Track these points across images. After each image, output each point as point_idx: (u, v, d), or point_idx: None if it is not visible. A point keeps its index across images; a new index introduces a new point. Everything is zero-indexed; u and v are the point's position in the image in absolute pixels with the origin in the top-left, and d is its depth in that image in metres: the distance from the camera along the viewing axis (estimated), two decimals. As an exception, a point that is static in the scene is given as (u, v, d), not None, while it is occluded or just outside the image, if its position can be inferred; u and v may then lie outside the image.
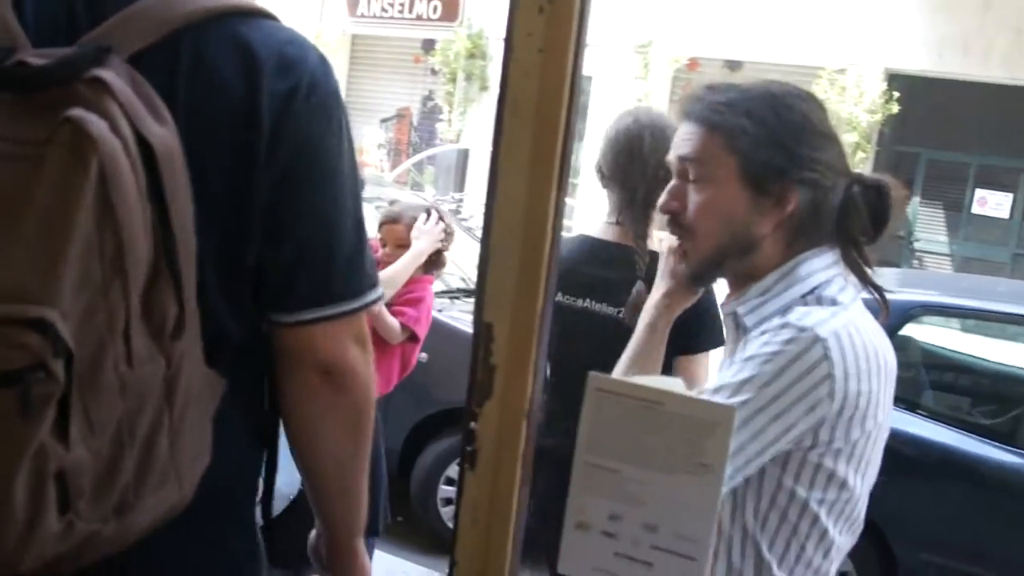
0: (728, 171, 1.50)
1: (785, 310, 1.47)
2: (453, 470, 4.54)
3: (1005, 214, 13.53)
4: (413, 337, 3.48)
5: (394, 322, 3.37)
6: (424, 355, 4.29)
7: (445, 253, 3.61)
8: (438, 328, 4.41)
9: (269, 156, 1.21)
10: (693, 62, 14.26)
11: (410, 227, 3.43)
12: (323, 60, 1.35)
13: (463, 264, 5.61)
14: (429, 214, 3.52)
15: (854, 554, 3.90)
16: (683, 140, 1.56)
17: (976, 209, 13.66)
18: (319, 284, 1.27)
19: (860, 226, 1.53)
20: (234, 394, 1.24)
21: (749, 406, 1.39)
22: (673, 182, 1.59)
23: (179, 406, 1.13)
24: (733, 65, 14.65)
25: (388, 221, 3.51)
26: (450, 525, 4.58)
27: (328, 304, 1.27)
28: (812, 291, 1.49)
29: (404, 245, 3.41)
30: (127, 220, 1.04)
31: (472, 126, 16.43)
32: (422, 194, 9.98)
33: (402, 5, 17.15)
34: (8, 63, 1.08)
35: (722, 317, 1.71)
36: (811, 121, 1.52)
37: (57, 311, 0.99)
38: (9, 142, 1.05)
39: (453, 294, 5.00)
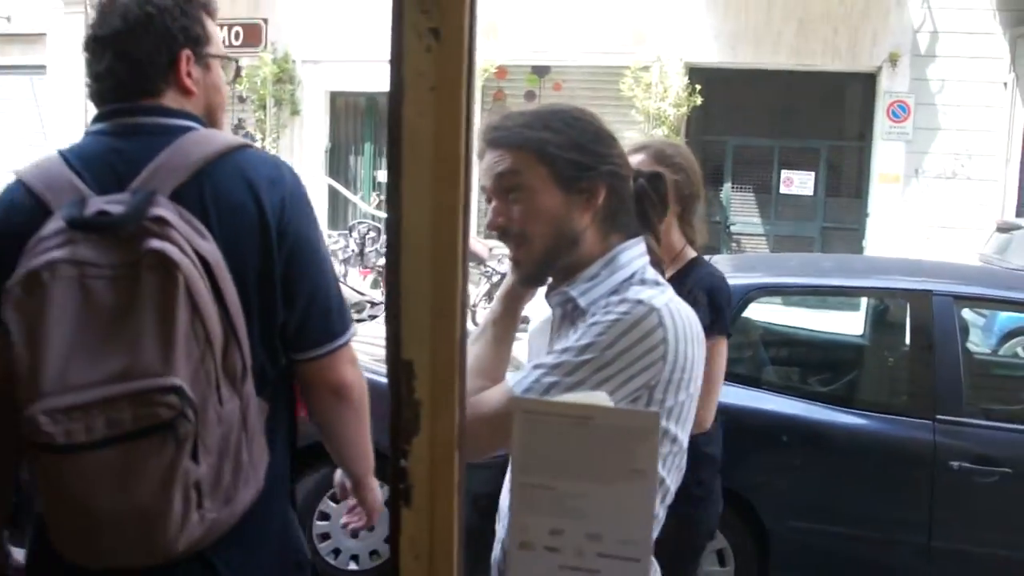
0: (542, 179, 1.69)
1: (612, 292, 1.68)
2: (325, 504, 4.46)
3: (809, 191, 14.31)
4: None
5: None
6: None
7: None
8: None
9: (279, 248, 1.73)
10: (501, 70, 14.49)
11: None
12: (293, 172, 1.85)
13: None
14: None
15: (727, 530, 4.10)
16: (495, 163, 1.72)
17: (783, 189, 14.37)
18: (322, 328, 1.81)
19: (655, 211, 1.83)
20: (272, 413, 1.77)
21: (592, 364, 1.57)
22: (494, 203, 1.74)
23: (250, 428, 1.66)
24: (540, 71, 14.97)
25: None
26: (330, 561, 4.50)
27: (328, 342, 1.82)
28: (633, 275, 1.71)
29: None
30: (207, 312, 1.56)
31: (286, 152, 16.16)
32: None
33: (202, 35, 16.66)
34: (91, 213, 1.59)
35: (549, 306, 1.84)
36: (596, 125, 1.76)
37: (179, 378, 1.52)
38: (106, 268, 1.55)
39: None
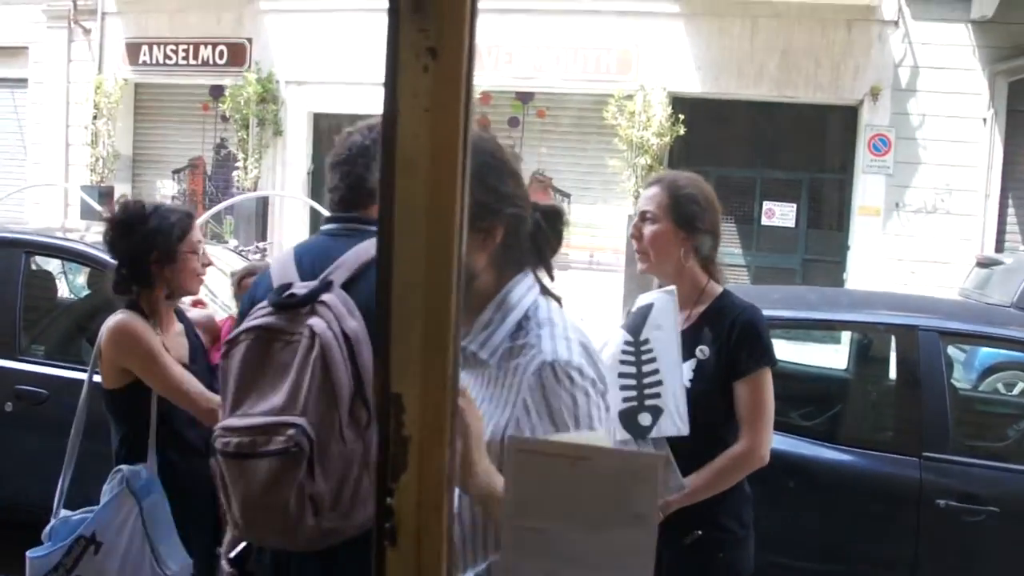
0: None
1: (511, 336, 1.70)
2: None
3: (791, 223, 14.34)
4: None
5: None
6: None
7: None
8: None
9: None
10: (485, 95, 14.50)
11: None
12: None
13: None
14: None
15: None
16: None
17: (765, 221, 14.41)
18: None
19: (545, 242, 1.82)
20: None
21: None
22: None
23: (369, 461, 2.04)
24: (524, 97, 15.00)
25: (248, 275, 3.60)
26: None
27: None
28: (526, 315, 1.71)
29: None
30: (337, 375, 2.02)
31: (268, 172, 16.11)
32: (225, 246, 9.66)
33: (186, 51, 16.65)
34: (285, 294, 2.14)
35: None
36: (501, 160, 1.73)
37: (303, 419, 2.01)
38: (285, 334, 2.10)
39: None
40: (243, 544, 2.27)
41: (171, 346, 3.17)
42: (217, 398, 2.91)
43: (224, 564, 2.35)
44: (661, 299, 2.79)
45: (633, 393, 2.71)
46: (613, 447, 0.98)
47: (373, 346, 1.00)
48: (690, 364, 2.82)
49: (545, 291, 1.81)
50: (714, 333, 2.84)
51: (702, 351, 2.83)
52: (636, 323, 2.78)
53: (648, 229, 2.89)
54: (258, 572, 2.25)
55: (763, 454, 2.83)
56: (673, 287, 2.83)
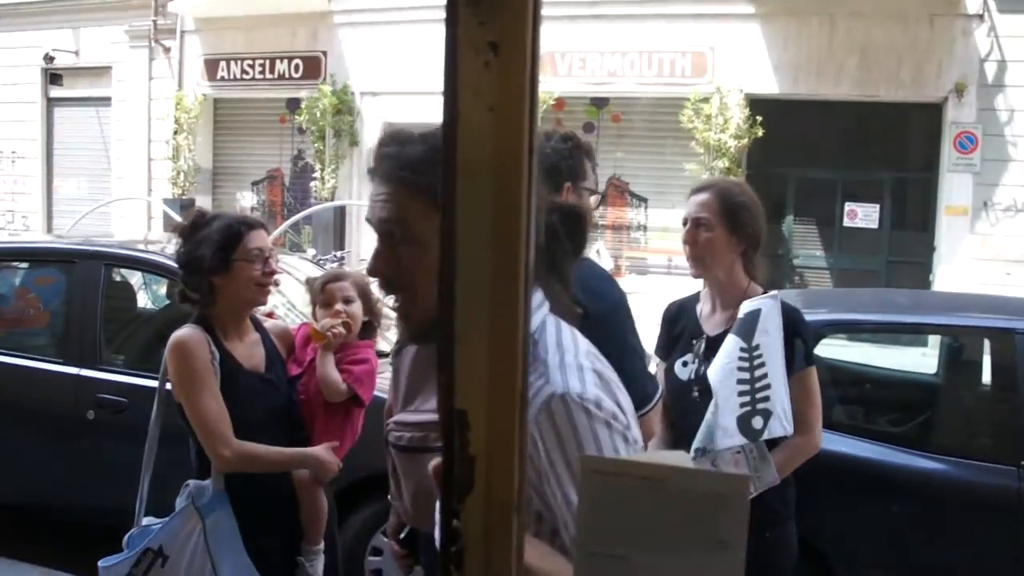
0: (436, 229, 1.42)
1: None
2: (378, 539, 4.36)
3: (874, 224, 13.99)
4: (357, 400, 3.36)
5: (338, 378, 3.28)
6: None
7: (380, 318, 3.56)
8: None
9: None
10: (559, 101, 14.41)
11: (353, 284, 3.43)
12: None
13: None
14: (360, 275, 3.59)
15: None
16: (380, 202, 1.54)
17: (847, 222, 14.07)
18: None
19: (562, 250, 1.66)
20: None
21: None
22: (378, 245, 1.57)
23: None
24: (599, 102, 14.90)
25: (331, 280, 3.49)
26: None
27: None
28: (532, 339, 1.53)
29: (351, 300, 3.39)
30: None
31: (345, 182, 16.27)
32: (303, 255, 9.74)
33: (263, 66, 16.92)
34: None
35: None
36: None
37: None
38: None
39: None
40: (409, 527, 2.40)
41: (245, 355, 3.18)
42: (239, 446, 3.01)
43: (394, 544, 2.55)
44: (767, 304, 2.95)
45: (747, 398, 2.88)
46: (697, 467, 0.92)
47: (437, 360, 0.87)
48: None
49: (559, 308, 1.62)
50: None
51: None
52: (747, 329, 2.92)
53: (703, 235, 3.07)
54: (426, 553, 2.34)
55: (819, 442, 3.15)
56: (776, 292, 3.06)
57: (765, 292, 3.10)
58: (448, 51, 0.88)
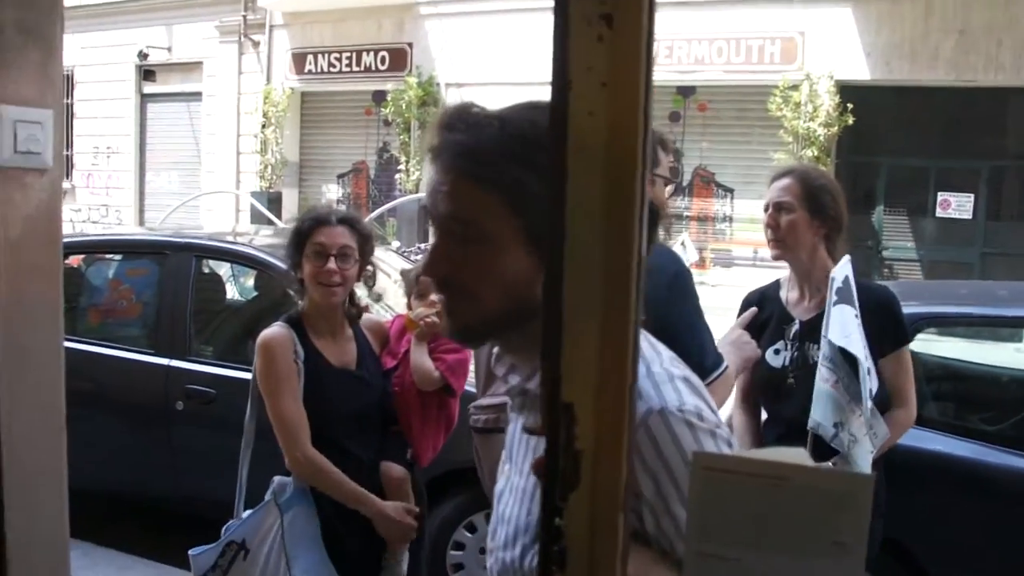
0: (511, 233, 1.29)
1: None
2: (460, 534, 4.35)
3: (968, 215, 13.59)
4: (449, 389, 3.36)
5: (431, 367, 3.30)
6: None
7: None
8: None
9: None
10: (645, 91, 14.26)
11: None
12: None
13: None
14: None
15: (887, 579, 3.80)
16: (443, 194, 1.33)
17: (939, 212, 13.70)
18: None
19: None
20: None
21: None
22: (437, 242, 1.36)
23: None
24: (685, 91, 14.73)
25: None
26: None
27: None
28: None
29: None
30: None
31: (430, 175, 16.35)
32: (388, 248, 9.81)
33: (349, 59, 17.12)
34: None
35: (508, 395, 1.52)
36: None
37: None
38: None
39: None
40: None
41: (336, 353, 3.17)
42: (310, 453, 3.00)
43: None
44: (848, 267, 3.03)
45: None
46: (816, 465, 0.87)
47: (542, 351, 0.78)
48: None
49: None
50: None
51: (824, 338, 3.01)
52: (849, 295, 2.98)
53: (785, 218, 3.14)
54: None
55: (915, 415, 3.26)
56: (848, 256, 3.09)
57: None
58: (558, 23, 0.84)
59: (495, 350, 1.50)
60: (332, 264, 3.01)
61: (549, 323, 0.87)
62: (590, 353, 0.86)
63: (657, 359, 1.32)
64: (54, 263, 1.72)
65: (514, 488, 1.44)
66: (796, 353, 3.15)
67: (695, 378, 1.36)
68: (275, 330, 3.10)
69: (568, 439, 0.88)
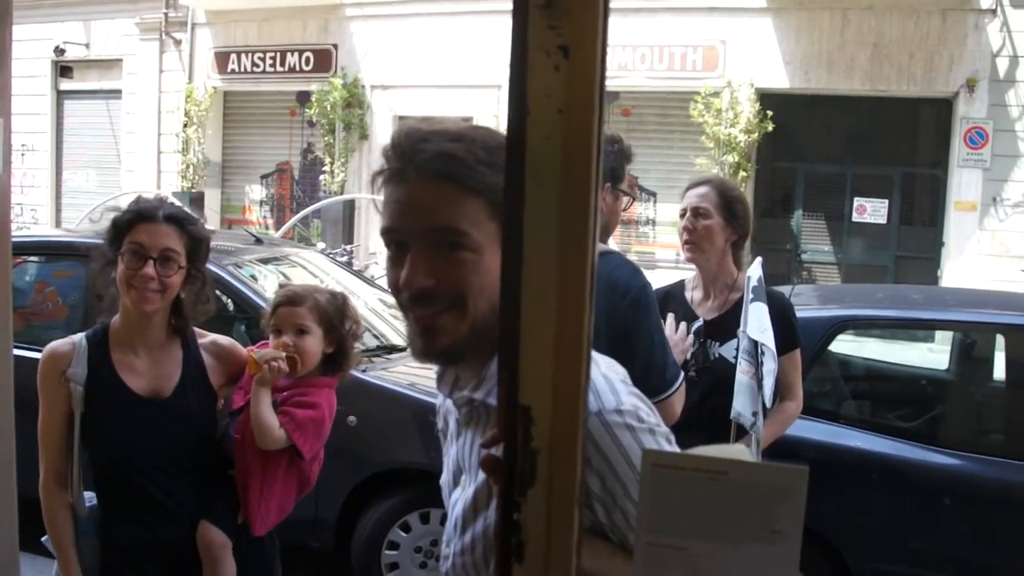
0: (492, 237, 1.33)
1: None
2: (395, 534, 4.39)
3: (883, 219, 13.97)
4: (296, 451, 2.75)
5: (273, 422, 2.70)
6: (352, 418, 4.17)
7: (353, 350, 2.97)
8: (362, 389, 4.29)
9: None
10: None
11: (313, 311, 2.83)
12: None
13: (371, 320, 5.49)
14: (334, 297, 2.96)
15: (810, 572, 3.94)
16: (423, 206, 1.34)
17: (856, 217, 14.06)
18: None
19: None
20: None
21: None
22: (416, 255, 1.35)
23: None
24: (609, 96, 14.87)
25: (285, 303, 2.85)
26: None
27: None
28: None
29: (305, 331, 2.81)
30: None
31: (355, 176, 16.30)
32: (313, 248, 9.78)
33: (273, 59, 16.94)
34: None
35: (452, 406, 1.54)
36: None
37: None
38: None
39: (373, 352, 4.86)
40: None
41: (144, 374, 2.64)
42: (46, 493, 2.54)
43: None
44: (758, 268, 3.32)
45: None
46: (755, 460, 0.94)
47: (499, 357, 0.92)
48: (732, 343, 3.31)
49: None
50: None
51: (743, 333, 3.26)
52: (762, 294, 3.24)
53: (702, 223, 3.37)
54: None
55: (801, 407, 3.53)
56: (759, 258, 3.39)
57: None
58: (516, 52, 0.90)
59: (436, 372, 1.52)
60: (150, 268, 2.51)
61: (507, 332, 0.94)
62: (547, 359, 0.93)
63: (596, 366, 1.34)
64: (3, 267, 1.73)
65: (467, 496, 1.48)
66: (698, 349, 3.38)
67: (629, 380, 1.42)
68: (54, 346, 2.63)
69: (525, 439, 0.94)
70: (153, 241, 2.53)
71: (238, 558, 2.68)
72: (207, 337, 2.80)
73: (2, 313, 1.62)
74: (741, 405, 3.13)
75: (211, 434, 2.73)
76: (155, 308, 2.57)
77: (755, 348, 3.15)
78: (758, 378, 3.13)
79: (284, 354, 2.72)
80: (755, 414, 3.13)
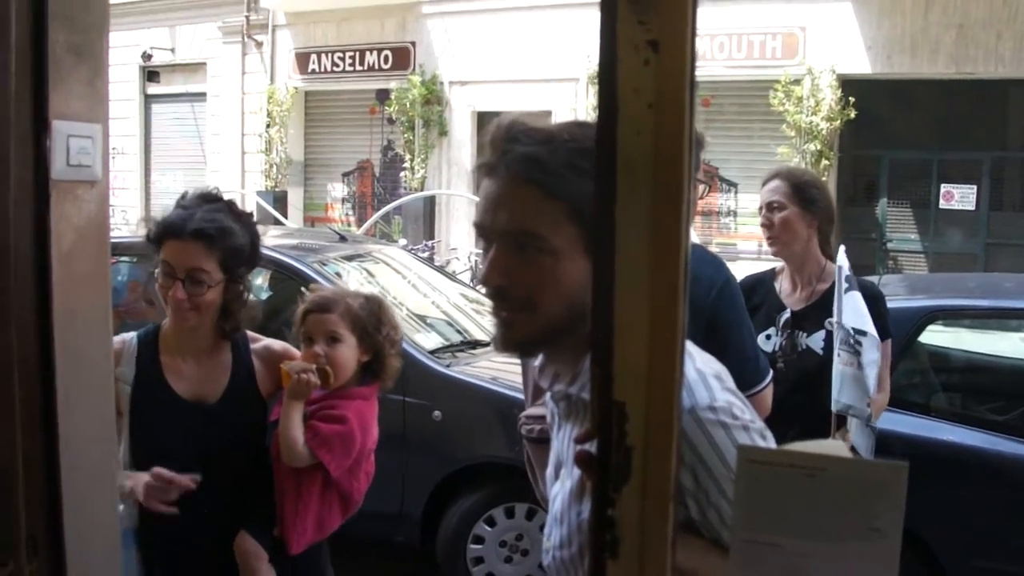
0: (571, 242, 1.36)
1: None
2: (480, 528, 4.42)
3: (971, 206, 13.60)
4: (324, 468, 2.56)
5: (299, 438, 2.52)
6: (438, 413, 4.21)
7: (392, 358, 2.75)
8: (447, 384, 4.33)
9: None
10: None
11: (345, 317, 2.65)
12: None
13: (453, 315, 5.52)
14: (368, 301, 2.76)
15: (901, 569, 3.85)
16: (505, 207, 1.37)
17: (943, 204, 13.71)
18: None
19: None
20: None
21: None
22: (495, 253, 1.39)
23: None
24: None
25: (315, 310, 2.66)
26: (484, 585, 4.48)
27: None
28: None
29: (338, 339, 2.63)
30: None
31: (434, 172, 16.43)
32: (395, 245, 9.88)
33: (352, 58, 17.16)
34: None
35: (551, 399, 1.58)
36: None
37: None
38: None
39: (456, 347, 4.89)
40: None
41: (191, 379, 2.55)
42: None
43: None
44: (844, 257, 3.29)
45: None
46: (852, 457, 0.93)
47: (592, 353, 0.92)
48: (820, 335, 3.30)
49: None
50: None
51: (830, 323, 3.26)
52: (854, 282, 3.22)
53: (778, 216, 3.35)
54: None
55: (888, 399, 3.47)
56: (843, 247, 3.34)
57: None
58: (606, 47, 0.90)
59: (537, 363, 1.55)
60: (179, 291, 2.40)
61: (600, 328, 0.94)
62: (641, 354, 0.92)
63: (690, 360, 1.35)
64: (103, 271, 1.78)
65: (566, 490, 1.49)
66: (786, 340, 3.36)
67: (726, 375, 1.41)
68: (119, 338, 2.54)
69: (620, 435, 0.94)
70: (180, 261, 2.41)
71: (281, 572, 2.57)
72: (260, 342, 2.67)
73: (103, 315, 1.67)
74: (850, 397, 3.11)
75: (256, 443, 2.60)
76: (192, 325, 2.47)
77: (853, 337, 3.11)
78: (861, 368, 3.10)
79: (315, 366, 2.55)
80: (869, 406, 3.11)
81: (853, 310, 3.12)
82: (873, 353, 3.10)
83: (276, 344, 2.70)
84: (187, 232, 2.40)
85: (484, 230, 1.41)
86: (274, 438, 2.55)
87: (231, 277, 2.48)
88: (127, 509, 2.43)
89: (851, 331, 3.11)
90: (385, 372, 2.72)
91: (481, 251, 1.45)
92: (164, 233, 2.44)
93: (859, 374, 3.10)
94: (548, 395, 1.59)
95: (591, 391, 0.97)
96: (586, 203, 1.24)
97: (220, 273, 2.44)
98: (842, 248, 3.34)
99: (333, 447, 2.54)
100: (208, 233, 2.42)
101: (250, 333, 2.65)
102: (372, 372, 2.70)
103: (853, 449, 3.28)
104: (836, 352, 3.15)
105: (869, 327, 3.10)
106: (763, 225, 3.42)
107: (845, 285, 3.17)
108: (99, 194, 1.67)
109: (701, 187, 2.96)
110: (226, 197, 2.63)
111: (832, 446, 0.92)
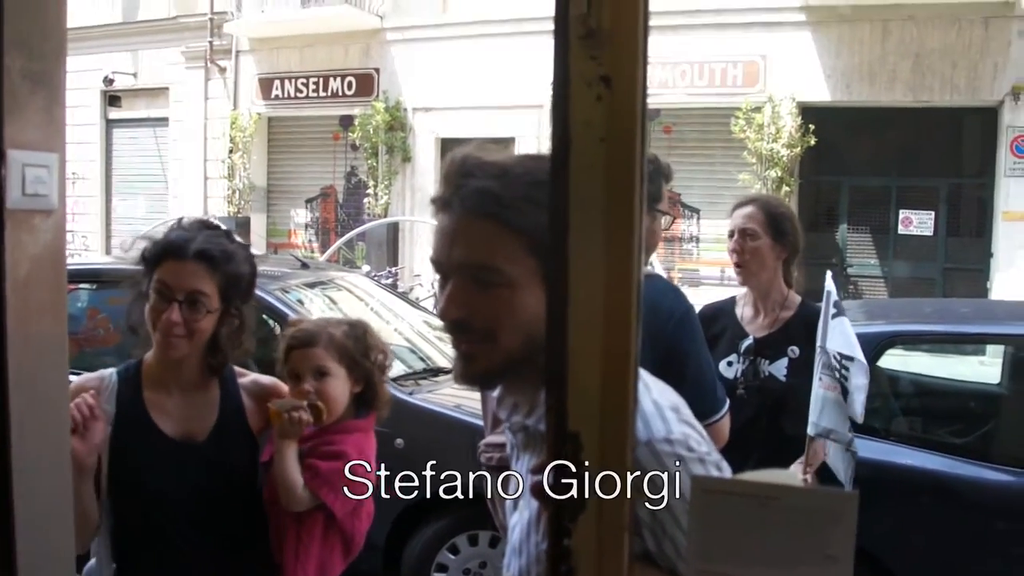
0: (529, 273, 1.36)
1: None
2: (443, 556, 4.39)
3: (929, 231, 13.82)
4: (327, 510, 2.40)
5: (297, 479, 2.36)
6: (400, 441, 4.19)
7: (384, 384, 2.63)
8: (409, 411, 4.31)
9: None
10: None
11: (330, 348, 2.51)
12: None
13: (416, 342, 5.51)
14: (352, 328, 2.62)
15: (861, 594, 3.88)
16: (463, 241, 1.38)
17: (902, 230, 13.92)
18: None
19: None
20: None
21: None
22: (452, 288, 1.39)
23: None
24: (650, 114, 14.79)
25: (298, 345, 2.52)
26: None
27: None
28: None
29: (326, 373, 2.49)
30: None
31: (398, 198, 16.43)
32: (357, 271, 9.85)
33: (316, 84, 17.15)
34: None
35: (508, 430, 1.57)
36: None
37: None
38: None
39: (419, 375, 4.88)
40: None
41: (177, 415, 2.36)
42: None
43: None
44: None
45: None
46: (804, 486, 0.94)
47: (547, 383, 0.92)
48: (783, 362, 3.32)
49: None
50: (804, 335, 3.32)
51: (793, 351, 3.32)
52: (842, 308, 3.24)
53: (750, 244, 3.36)
54: None
55: None
56: (830, 272, 3.40)
57: (802, 299, 3.46)
58: (558, 82, 0.91)
59: (496, 394, 1.54)
60: (175, 313, 2.23)
61: (554, 359, 0.94)
62: (594, 385, 0.93)
63: (647, 392, 1.36)
64: (60, 300, 1.76)
65: (524, 520, 1.49)
66: (748, 367, 3.36)
67: (684, 407, 1.41)
68: (81, 380, 2.34)
69: (574, 465, 0.95)
70: (179, 282, 2.24)
71: None
72: (247, 376, 2.50)
73: (59, 345, 1.66)
74: (831, 421, 3.11)
75: (248, 484, 2.41)
76: (181, 355, 2.29)
77: (836, 362, 3.14)
78: (844, 393, 3.12)
79: (305, 403, 2.39)
80: (850, 430, 3.14)
81: (841, 335, 3.13)
82: (861, 378, 3.11)
83: (264, 379, 2.54)
84: (189, 253, 2.26)
85: (441, 266, 1.41)
86: (268, 481, 2.40)
87: (227, 307, 2.33)
88: (104, 564, 2.32)
89: (836, 356, 3.12)
90: (379, 400, 2.60)
91: (438, 286, 1.46)
92: (163, 253, 2.28)
93: (840, 399, 3.11)
94: (506, 426, 1.59)
95: (546, 421, 0.98)
96: (543, 235, 1.26)
97: (218, 301, 2.29)
98: (829, 274, 3.36)
99: (335, 486, 2.35)
100: (211, 255, 2.28)
101: (236, 368, 2.49)
102: (366, 402, 2.57)
103: (829, 469, 3.30)
104: (817, 376, 3.15)
105: (857, 352, 3.11)
106: (733, 250, 3.42)
107: (833, 310, 3.18)
108: (55, 223, 1.66)
109: (666, 218, 2.96)
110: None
111: (785, 475, 0.94)
